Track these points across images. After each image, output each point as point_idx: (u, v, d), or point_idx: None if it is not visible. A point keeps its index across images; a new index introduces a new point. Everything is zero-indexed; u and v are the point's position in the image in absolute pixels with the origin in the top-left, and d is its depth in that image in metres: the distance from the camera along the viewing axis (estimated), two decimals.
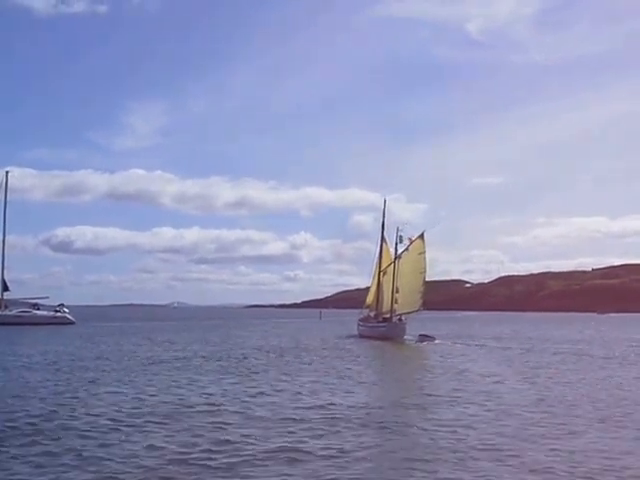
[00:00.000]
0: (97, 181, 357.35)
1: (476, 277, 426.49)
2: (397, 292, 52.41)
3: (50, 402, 18.30)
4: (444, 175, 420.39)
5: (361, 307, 62.93)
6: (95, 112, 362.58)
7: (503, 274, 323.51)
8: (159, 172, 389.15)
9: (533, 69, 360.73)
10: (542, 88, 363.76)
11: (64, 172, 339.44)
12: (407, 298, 51.69)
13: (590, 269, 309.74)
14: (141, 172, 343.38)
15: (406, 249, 52.88)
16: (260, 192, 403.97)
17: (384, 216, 57.52)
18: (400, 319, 52.48)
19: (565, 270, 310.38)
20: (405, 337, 51.01)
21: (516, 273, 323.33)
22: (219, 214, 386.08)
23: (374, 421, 16.03)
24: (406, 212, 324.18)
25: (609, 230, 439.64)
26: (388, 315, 53.55)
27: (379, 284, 56.11)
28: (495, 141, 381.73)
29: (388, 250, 55.76)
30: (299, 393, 20.76)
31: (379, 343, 47.95)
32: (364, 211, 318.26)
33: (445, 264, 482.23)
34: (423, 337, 51.02)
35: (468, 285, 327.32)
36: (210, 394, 20.06)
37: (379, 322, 54.58)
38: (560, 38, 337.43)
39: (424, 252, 51.59)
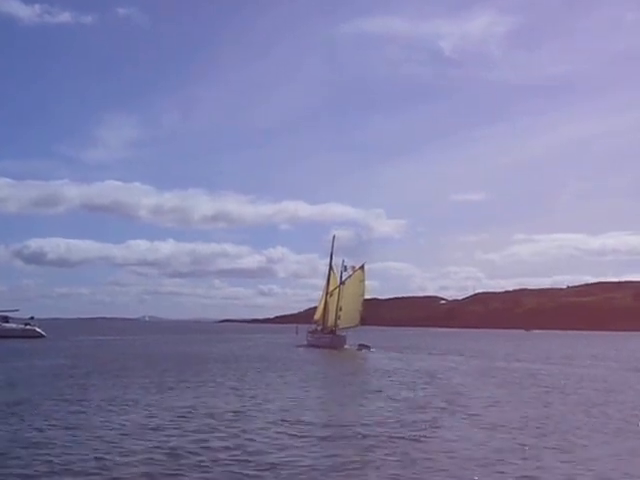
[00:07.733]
0: (72, 192, 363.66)
1: (452, 294, 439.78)
2: (341, 310, 68.01)
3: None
4: (423, 191, 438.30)
5: None
6: (64, 124, 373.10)
7: (479, 291, 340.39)
8: (136, 184, 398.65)
9: (507, 87, 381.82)
10: (518, 105, 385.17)
11: (39, 182, 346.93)
12: (348, 315, 67.36)
13: (565, 286, 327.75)
14: (117, 184, 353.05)
15: (349, 276, 68.57)
16: (239, 205, 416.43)
17: (333, 247, 73.09)
18: (335, 332, 67.85)
19: (540, 287, 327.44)
20: (345, 346, 66.18)
21: (492, 290, 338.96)
22: (196, 227, 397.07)
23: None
24: (386, 227, 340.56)
25: (588, 247, 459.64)
26: (333, 328, 68.97)
27: (326, 304, 71.46)
28: (474, 158, 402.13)
29: (334, 276, 71.34)
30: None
31: (325, 350, 63.20)
32: (343, 226, 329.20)
33: (421, 280, 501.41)
34: (361, 346, 66.68)
35: (443, 302, 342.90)
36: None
37: (325, 334, 69.99)
38: (531, 57, 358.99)
39: (364, 280, 67.89)
